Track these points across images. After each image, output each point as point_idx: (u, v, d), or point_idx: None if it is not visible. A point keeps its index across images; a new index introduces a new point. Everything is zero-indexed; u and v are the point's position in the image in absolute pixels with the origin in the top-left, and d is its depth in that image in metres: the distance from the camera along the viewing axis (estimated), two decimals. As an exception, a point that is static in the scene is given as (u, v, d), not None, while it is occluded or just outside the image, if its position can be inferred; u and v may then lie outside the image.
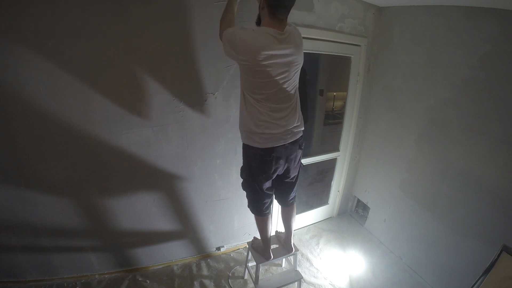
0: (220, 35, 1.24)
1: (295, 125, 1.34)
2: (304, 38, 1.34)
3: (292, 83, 1.29)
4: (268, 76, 1.19)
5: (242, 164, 1.49)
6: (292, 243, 1.78)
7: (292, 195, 1.60)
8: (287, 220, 1.71)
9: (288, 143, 1.34)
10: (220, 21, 1.27)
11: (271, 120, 1.27)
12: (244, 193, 1.57)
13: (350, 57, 2.21)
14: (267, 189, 1.48)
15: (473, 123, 1.65)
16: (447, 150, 1.82)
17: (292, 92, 1.31)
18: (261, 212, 1.57)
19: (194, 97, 1.68)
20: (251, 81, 1.23)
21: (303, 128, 1.41)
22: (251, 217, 2.01)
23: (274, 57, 1.15)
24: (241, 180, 1.53)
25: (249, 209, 1.62)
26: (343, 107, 2.53)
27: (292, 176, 1.51)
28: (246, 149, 1.38)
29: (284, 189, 1.56)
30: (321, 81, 3.36)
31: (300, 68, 1.30)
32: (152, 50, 1.50)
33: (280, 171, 1.43)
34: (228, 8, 1.27)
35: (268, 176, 1.41)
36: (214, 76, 1.68)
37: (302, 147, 1.45)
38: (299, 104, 1.38)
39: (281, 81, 1.22)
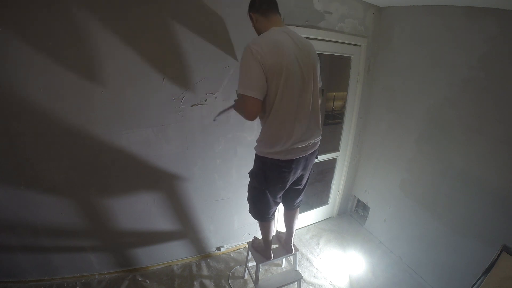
0: (240, 96, 1.15)
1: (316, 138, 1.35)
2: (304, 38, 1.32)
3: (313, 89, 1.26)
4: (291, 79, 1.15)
5: (252, 168, 1.43)
6: (292, 244, 1.78)
7: (299, 199, 1.59)
8: (289, 221, 1.71)
9: (308, 154, 1.34)
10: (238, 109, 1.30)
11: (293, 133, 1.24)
12: (244, 193, 1.57)
13: (350, 57, 2.21)
14: (279, 198, 1.47)
15: (473, 123, 1.65)
16: (447, 150, 1.82)
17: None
18: (265, 218, 1.55)
19: (194, 97, 1.68)
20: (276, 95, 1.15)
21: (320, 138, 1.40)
22: (251, 217, 2.00)
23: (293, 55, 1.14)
24: (246, 182, 1.50)
25: (250, 214, 1.58)
26: (343, 107, 2.54)
27: (303, 183, 1.50)
28: (264, 159, 1.29)
29: (292, 195, 1.55)
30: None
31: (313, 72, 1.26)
32: (152, 50, 1.49)
33: (293, 179, 1.41)
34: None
35: (284, 186, 1.39)
36: (214, 76, 1.68)
37: (317, 157, 1.46)
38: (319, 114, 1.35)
39: (302, 87, 1.20)
